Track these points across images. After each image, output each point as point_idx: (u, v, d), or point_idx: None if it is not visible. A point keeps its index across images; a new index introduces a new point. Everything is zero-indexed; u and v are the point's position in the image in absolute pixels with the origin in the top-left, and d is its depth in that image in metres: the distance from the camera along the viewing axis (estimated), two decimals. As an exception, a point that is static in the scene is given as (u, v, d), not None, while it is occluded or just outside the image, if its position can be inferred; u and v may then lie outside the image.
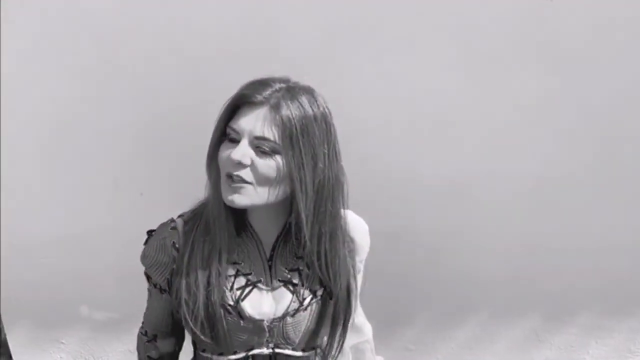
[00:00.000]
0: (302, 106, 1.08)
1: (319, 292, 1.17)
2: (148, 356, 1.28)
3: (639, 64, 1.95)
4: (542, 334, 2.34)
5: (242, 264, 1.16)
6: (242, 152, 1.06)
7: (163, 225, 1.18)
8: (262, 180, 1.08)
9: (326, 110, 1.12)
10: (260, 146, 1.07)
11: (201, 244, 1.14)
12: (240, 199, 1.08)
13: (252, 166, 1.07)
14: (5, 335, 2.14)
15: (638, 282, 2.24)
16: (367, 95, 1.98)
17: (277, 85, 1.09)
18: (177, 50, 1.86)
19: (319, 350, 1.27)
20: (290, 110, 1.07)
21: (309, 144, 1.08)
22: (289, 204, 1.12)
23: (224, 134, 1.09)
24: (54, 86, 1.89)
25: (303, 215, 1.10)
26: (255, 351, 1.19)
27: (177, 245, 1.16)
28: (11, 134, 1.90)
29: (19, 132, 1.92)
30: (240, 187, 1.08)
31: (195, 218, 1.17)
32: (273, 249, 1.17)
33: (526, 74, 1.96)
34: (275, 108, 1.06)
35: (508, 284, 2.21)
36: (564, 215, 2.14)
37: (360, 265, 1.25)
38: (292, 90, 1.09)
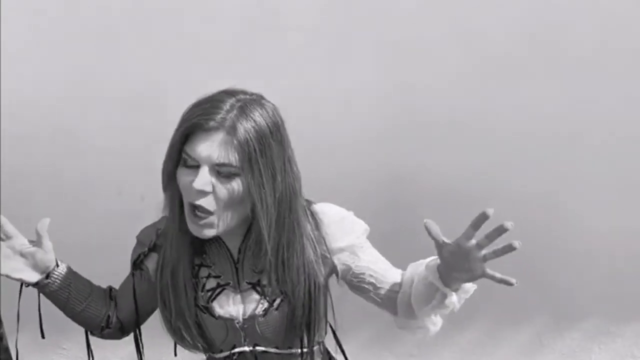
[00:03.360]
0: (257, 124, 1.08)
1: (289, 292, 1.18)
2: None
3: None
4: (545, 339, 2.36)
5: (213, 266, 1.20)
6: (204, 180, 1.06)
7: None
8: (225, 204, 1.09)
9: (277, 117, 1.12)
10: (220, 171, 1.07)
11: (169, 253, 1.19)
12: (206, 233, 1.11)
13: (214, 192, 1.08)
14: (6, 341, 2.14)
15: (641, 287, 2.27)
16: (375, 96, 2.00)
17: (228, 105, 1.07)
18: (184, 53, 1.87)
19: (316, 347, 1.28)
20: (247, 132, 1.06)
21: (267, 162, 1.09)
22: (250, 210, 1.12)
23: (180, 158, 1.08)
24: (56, 88, 1.90)
25: (265, 232, 1.12)
26: (238, 349, 1.23)
27: (159, 232, 1.24)
28: (13, 136, 1.91)
29: (21, 135, 1.92)
30: (205, 221, 1.09)
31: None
32: (239, 252, 1.19)
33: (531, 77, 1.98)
34: (232, 132, 1.06)
35: (511, 289, 2.21)
36: (568, 220, 2.15)
37: (357, 241, 1.22)
38: (245, 108, 1.08)
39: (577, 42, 1.94)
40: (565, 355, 2.40)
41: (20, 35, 1.85)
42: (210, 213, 1.09)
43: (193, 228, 1.11)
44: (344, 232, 1.22)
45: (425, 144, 2.03)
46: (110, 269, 1.86)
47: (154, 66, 1.90)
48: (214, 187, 1.07)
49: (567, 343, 2.37)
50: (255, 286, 1.19)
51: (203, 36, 1.90)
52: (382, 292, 1.24)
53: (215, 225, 1.11)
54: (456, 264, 1.09)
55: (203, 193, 1.06)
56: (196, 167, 1.06)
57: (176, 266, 1.18)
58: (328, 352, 1.37)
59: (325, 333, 1.31)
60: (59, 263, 1.24)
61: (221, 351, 1.24)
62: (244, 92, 1.11)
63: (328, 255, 1.21)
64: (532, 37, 1.94)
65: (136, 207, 1.93)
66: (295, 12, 1.90)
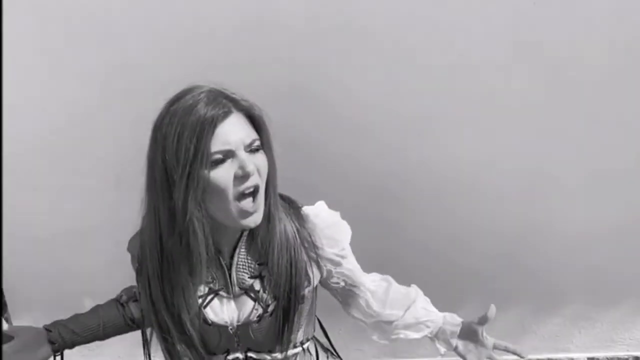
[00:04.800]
0: (248, 100, 1.09)
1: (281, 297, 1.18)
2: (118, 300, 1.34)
3: (620, 61, 1.97)
4: (527, 324, 2.39)
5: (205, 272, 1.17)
6: (249, 161, 1.05)
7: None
8: (264, 178, 1.09)
9: None
10: (251, 149, 1.07)
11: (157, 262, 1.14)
12: (258, 216, 1.08)
13: (256, 169, 1.08)
14: (11, 324, 2.20)
15: (621, 274, 2.29)
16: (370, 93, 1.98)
17: (214, 93, 1.06)
18: (182, 49, 1.87)
19: (309, 345, 1.32)
20: (248, 102, 1.08)
21: (267, 134, 1.11)
22: None
23: (208, 163, 1.03)
24: (57, 84, 1.90)
25: (272, 209, 1.11)
26: (231, 356, 1.24)
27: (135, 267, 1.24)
28: (14, 131, 1.92)
29: (22, 130, 1.93)
30: (256, 204, 1.06)
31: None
32: (231, 258, 1.17)
33: (515, 74, 1.97)
34: (243, 109, 1.07)
35: (495, 276, 2.24)
36: (551, 210, 2.16)
37: (343, 252, 1.25)
38: (222, 90, 1.08)
39: (560, 41, 1.94)
40: (547, 339, 2.43)
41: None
42: (258, 192, 1.06)
43: (244, 217, 1.06)
44: (334, 240, 1.23)
45: (413, 138, 2.03)
46: (110, 258, 1.90)
47: (159, 60, 1.88)
48: (254, 164, 1.06)
49: (549, 328, 2.41)
50: (248, 292, 1.18)
51: (214, 36, 1.90)
52: (346, 293, 1.32)
53: (262, 205, 1.08)
54: (471, 340, 1.28)
55: (251, 175, 1.04)
56: (222, 161, 1.03)
57: (178, 287, 1.13)
58: (322, 345, 1.42)
59: (314, 329, 1.36)
60: (44, 326, 1.25)
61: (214, 354, 1.24)
62: (197, 86, 1.08)
63: (320, 262, 1.22)
64: (515, 38, 1.93)
65: (136, 198, 1.96)
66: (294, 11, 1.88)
